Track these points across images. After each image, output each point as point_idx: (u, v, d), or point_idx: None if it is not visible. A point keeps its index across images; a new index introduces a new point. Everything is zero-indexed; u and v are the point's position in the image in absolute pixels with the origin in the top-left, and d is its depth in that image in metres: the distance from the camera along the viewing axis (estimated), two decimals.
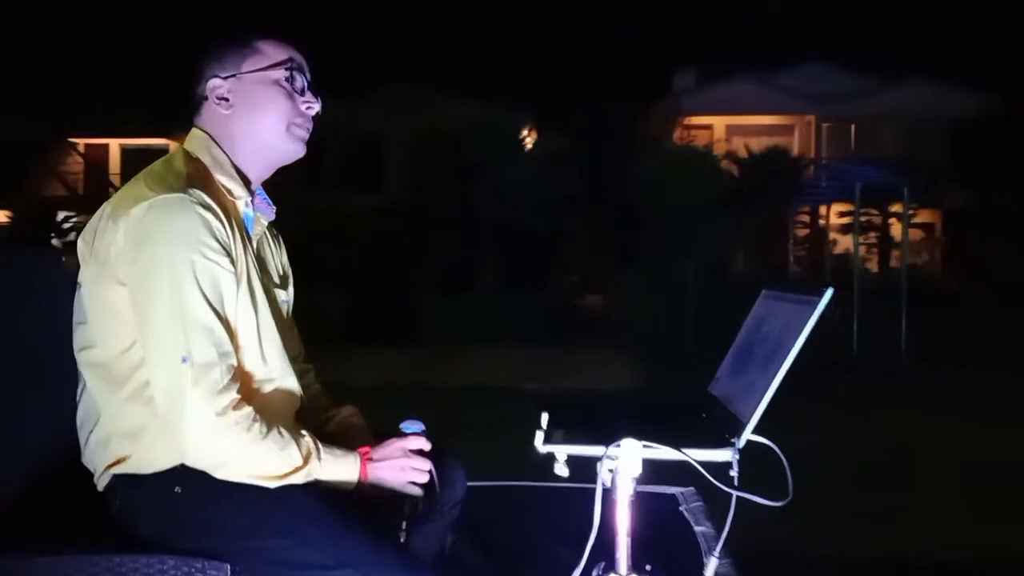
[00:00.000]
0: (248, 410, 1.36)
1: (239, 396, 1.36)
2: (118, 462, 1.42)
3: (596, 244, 16.15)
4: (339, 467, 1.43)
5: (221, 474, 1.35)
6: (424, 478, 1.48)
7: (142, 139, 23.83)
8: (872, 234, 19.29)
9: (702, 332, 10.59)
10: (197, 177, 1.44)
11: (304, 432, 1.43)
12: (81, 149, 25.23)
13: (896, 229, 19.56)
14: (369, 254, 13.33)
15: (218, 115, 1.52)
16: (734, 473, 1.29)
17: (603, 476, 1.32)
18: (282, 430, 1.39)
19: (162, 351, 1.34)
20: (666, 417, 1.56)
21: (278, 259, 1.66)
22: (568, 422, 1.47)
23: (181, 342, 1.33)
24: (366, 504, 1.48)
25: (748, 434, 1.26)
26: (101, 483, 1.46)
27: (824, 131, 24.23)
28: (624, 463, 1.26)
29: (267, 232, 1.63)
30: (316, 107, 1.56)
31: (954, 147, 22.00)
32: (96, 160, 25.13)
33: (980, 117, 20.87)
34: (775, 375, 1.26)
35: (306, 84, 1.56)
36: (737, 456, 1.28)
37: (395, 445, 1.48)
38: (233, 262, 1.42)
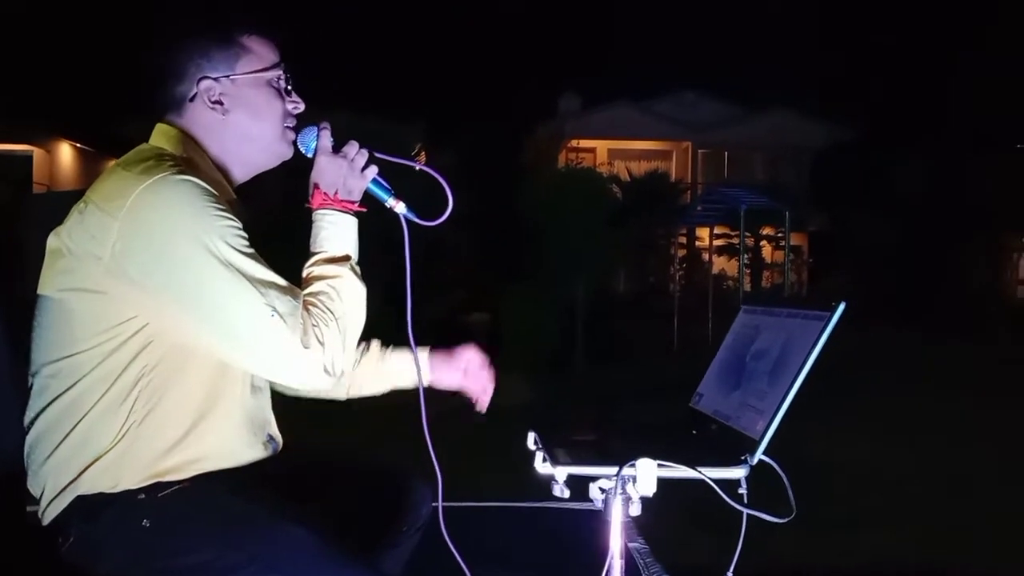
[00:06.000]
0: (303, 315, 1.29)
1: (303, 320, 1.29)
2: (82, 474, 1.28)
3: (485, 261, 16.17)
4: (345, 232, 1.45)
5: (345, 357, 1.34)
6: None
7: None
8: (746, 255, 20.13)
9: (591, 348, 10.73)
10: (181, 164, 1.33)
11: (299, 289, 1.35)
12: None
13: (767, 251, 20.53)
14: None
15: (210, 117, 1.41)
16: (743, 491, 1.28)
17: (616, 497, 1.28)
18: (300, 298, 1.31)
19: (247, 319, 1.24)
20: (660, 435, 1.54)
21: None
22: (561, 442, 1.42)
23: (259, 301, 1.24)
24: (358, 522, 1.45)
25: (761, 452, 1.25)
26: (50, 514, 1.30)
27: (700, 156, 25.20)
28: (641, 483, 1.22)
29: None
30: (301, 106, 1.49)
31: (814, 174, 23.33)
32: None
33: (835, 146, 22.22)
34: (786, 391, 1.26)
35: (290, 82, 1.48)
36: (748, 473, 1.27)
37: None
38: None
